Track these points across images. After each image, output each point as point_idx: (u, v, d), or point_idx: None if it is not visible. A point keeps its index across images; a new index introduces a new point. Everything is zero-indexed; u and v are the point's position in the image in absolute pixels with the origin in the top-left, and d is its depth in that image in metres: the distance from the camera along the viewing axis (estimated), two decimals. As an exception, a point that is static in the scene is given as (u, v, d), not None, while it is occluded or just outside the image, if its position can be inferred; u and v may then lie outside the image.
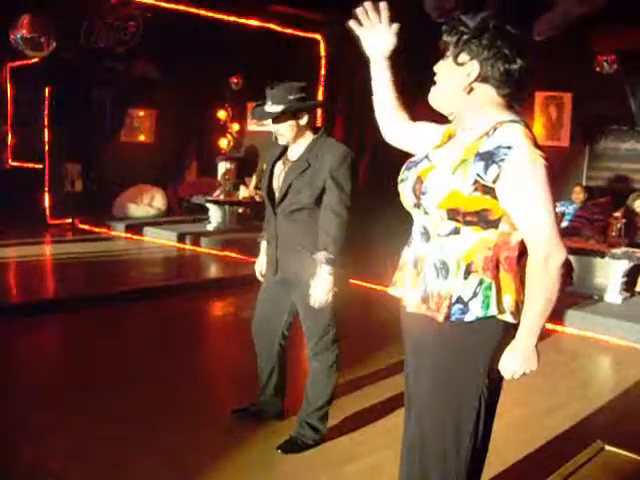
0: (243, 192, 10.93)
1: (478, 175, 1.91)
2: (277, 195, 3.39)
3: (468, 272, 1.98)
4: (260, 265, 3.71)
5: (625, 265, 6.70)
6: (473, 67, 1.97)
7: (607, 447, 2.90)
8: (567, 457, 3.00)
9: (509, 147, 1.87)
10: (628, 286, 6.89)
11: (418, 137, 2.28)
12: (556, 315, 6.19)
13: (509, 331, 2.01)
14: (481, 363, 2.03)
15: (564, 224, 7.94)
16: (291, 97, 3.29)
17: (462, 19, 1.98)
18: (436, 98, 2.07)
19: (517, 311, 1.99)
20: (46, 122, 11.06)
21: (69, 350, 5.27)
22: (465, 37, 1.96)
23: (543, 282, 1.92)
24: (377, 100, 2.37)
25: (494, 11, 2.00)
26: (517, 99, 2.04)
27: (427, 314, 2.05)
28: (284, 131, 3.33)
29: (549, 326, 6.08)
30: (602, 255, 6.77)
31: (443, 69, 2.04)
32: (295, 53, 9.97)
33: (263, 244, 3.68)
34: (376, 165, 8.62)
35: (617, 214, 7.18)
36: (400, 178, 2.16)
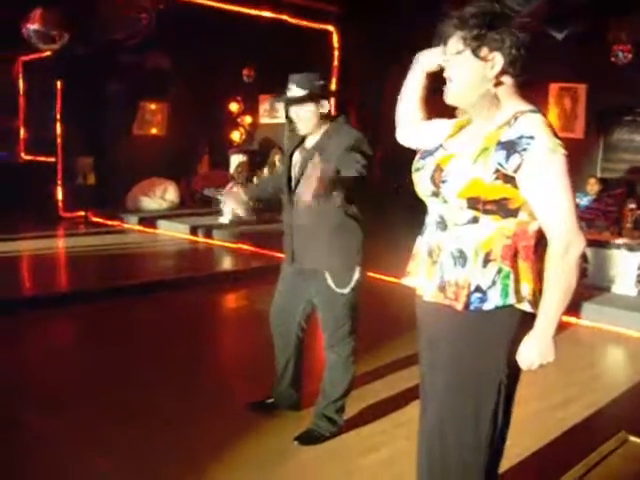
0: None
1: (499, 164, 1.90)
2: (292, 183, 3.40)
3: (487, 260, 1.98)
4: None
5: (640, 257, 6.65)
6: (496, 60, 1.95)
7: (631, 438, 2.89)
8: (585, 448, 2.99)
9: (531, 137, 1.87)
10: (643, 278, 6.83)
11: (429, 134, 2.26)
12: (571, 307, 6.08)
13: (527, 320, 2.01)
14: (500, 352, 2.03)
15: (579, 215, 7.87)
16: (315, 83, 3.30)
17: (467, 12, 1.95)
18: (456, 94, 2.04)
19: (534, 300, 2.00)
20: (58, 116, 11.10)
21: (82, 343, 5.28)
22: (484, 30, 1.93)
23: (562, 272, 1.92)
24: (404, 100, 2.39)
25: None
26: (526, 83, 2.04)
27: (444, 303, 2.05)
28: (306, 117, 3.32)
29: (564, 318, 6.04)
30: (617, 247, 6.73)
31: (460, 64, 1.99)
32: (308, 44, 9.94)
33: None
34: (389, 159, 8.61)
35: (632, 205, 7.14)
36: (415, 167, 2.15)
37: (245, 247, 8.95)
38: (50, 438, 3.46)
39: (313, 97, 3.29)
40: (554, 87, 8.88)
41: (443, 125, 2.25)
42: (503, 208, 1.95)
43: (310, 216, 3.35)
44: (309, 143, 3.42)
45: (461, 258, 2.01)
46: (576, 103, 8.79)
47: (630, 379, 4.74)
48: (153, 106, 12.58)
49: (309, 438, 3.46)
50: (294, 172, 3.43)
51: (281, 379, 3.73)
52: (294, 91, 3.32)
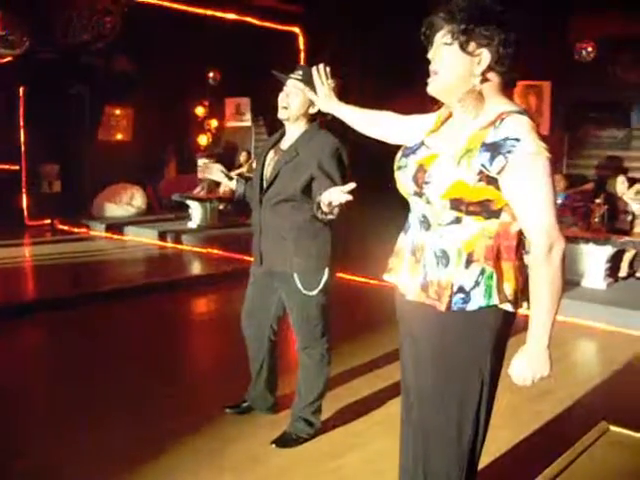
0: (224, 188, 10.86)
1: (483, 166, 1.88)
2: (264, 184, 3.36)
3: (470, 261, 1.96)
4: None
5: (608, 251, 6.74)
6: (483, 56, 1.92)
7: (612, 427, 2.90)
8: (563, 439, 3.01)
9: (517, 139, 1.85)
10: (611, 272, 6.93)
11: (411, 129, 2.25)
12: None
13: (508, 319, 2.01)
14: (482, 351, 2.02)
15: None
16: None
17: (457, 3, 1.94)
18: (439, 86, 2.01)
19: (515, 300, 1.98)
20: (21, 122, 10.92)
21: (51, 352, 5.18)
22: (472, 25, 1.90)
23: (548, 274, 1.89)
24: (360, 129, 2.50)
25: None
26: (512, 82, 2.02)
27: (426, 302, 2.03)
28: (295, 103, 3.26)
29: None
30: (585, 242, 6.81)
31: (447, 57, 1.97)
32: (273, 47, 9.91)
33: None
34: (356, 159, 8.60)
35: (599, 201, 7.23)
36: (397, 165, 2.12)
37: (214, 251, 8.88)
38: (19, 441, 3.38)
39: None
40: (519, 85, 8.87)
41: (424, 120, 2.24)
42: (486, 209, 1.94)
43: (279, 217, 3.31)
44: (285, 144, 3.38)
45: (444, 258, 1.99)
46: (541, 100, 8.88)
47: (603, 371, 4.78)
48: (118, 111, 12.43)
49: (286, 441, 3.43)
50: (266, 172, 3.39)
51: (256, 382, 3.69)
52: (298, 75, 3.26)
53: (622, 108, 8.20)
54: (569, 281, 6.75)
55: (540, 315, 1.93)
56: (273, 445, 3.39)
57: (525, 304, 2.01)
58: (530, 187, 1.87)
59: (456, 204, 1.93)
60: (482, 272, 1.96)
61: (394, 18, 7.72)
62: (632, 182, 7.74)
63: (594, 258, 6.77)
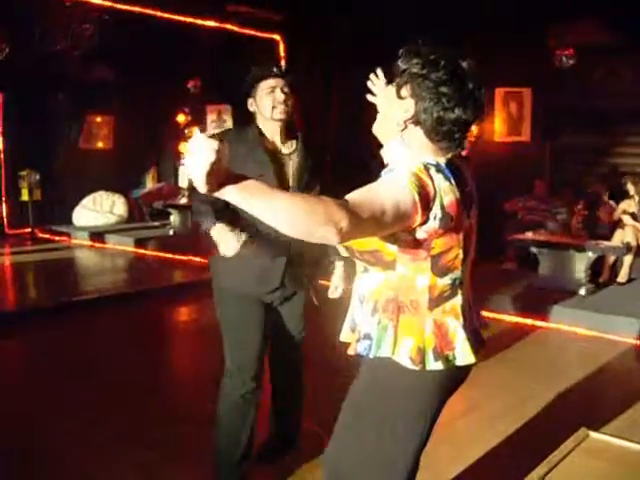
0: (205, 196, 10.83)
1: None
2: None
3: (374, 310, 1.95)
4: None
5: (589, 257, 6.76)
6: (410, 105, 1.86)
7: (592, 434, 2.89)
8: (545, 446, 2.98)
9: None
10: (592, 277, 6.95)
11: None
12: (523, 308, 6.22)
13: (412, 377, 1.90)
14: (385, 404, 1.96)
15: (528, 217, 8.03)
16: None
17: (422, 48, 1.86)
18: (376, 128, 2.02)
19: (419, 357, 1.87)
20: (0, 129, 10.83)
21: (28, 362, 5.12)
22: (413, 70, 1.84)
23: (299, 204, 1.57)
24: None
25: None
26: (448, 147, 1.88)
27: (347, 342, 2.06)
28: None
29: (516, 319, 6.10)
30: (566, 248, 6.83)
31: (384, 97, 1.97)
32: (254, 54, 9.90)
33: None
34: (337, 167, 8.58)
35: (579, 206, 7.26)
36: None
37: (195, 259, 8.82)
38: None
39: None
40: (500, 92, 9.00)
41: None
42: (380, 260, 1.89)
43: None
44: (284, 148, 2.99)
45: (360, 304, 2.01)
46: (522, 107, 8.92)
47: (584, 376, 4.77)
48: (99, 119, 12.36)
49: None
50: (292, 181, 2.95)
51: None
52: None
53: (602, 114, 8.25)
54: (549, 287, 6.78)
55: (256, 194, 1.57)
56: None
57: (440, 363, 1.87)
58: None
59: (351, 252, 1.92)
60: (379, 322, 1.93)
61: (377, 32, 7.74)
62: (612, 190, 7.81)
63: (574, 264, 6.79)
